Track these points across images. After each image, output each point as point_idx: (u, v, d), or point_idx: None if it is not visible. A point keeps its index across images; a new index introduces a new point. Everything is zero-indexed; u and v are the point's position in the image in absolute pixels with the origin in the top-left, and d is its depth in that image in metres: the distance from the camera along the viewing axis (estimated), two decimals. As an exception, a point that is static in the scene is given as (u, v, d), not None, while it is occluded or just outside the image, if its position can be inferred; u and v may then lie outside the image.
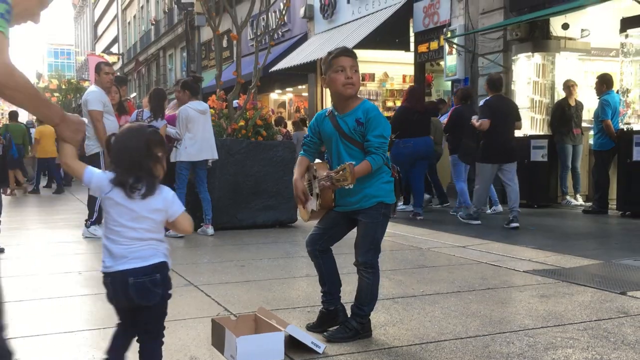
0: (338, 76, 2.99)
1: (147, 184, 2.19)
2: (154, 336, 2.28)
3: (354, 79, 2.99)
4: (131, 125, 2.35)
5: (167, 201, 2.23)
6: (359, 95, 3.11)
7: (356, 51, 11.50)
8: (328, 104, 16.15)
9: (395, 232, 6.56)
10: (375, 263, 3.07)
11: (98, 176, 2.23)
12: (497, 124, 7.29)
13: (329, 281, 3.18)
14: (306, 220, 3.17)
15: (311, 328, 3.17)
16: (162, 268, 2.22)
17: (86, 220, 6.74)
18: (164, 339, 2.32)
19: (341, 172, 2.76)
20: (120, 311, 2.30)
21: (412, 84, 14.56)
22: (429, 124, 8.50)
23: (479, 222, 7.56)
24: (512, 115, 7.58)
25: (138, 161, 2.18)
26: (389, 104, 17.18)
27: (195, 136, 6.57)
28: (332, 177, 2.81)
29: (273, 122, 8.60)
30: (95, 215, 6.73)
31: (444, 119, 11.19)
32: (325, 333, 3.07)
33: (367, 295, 3.06)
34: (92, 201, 6.82)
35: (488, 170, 7.42)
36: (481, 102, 7.88)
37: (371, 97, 16.94)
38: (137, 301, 2.18)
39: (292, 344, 2.83)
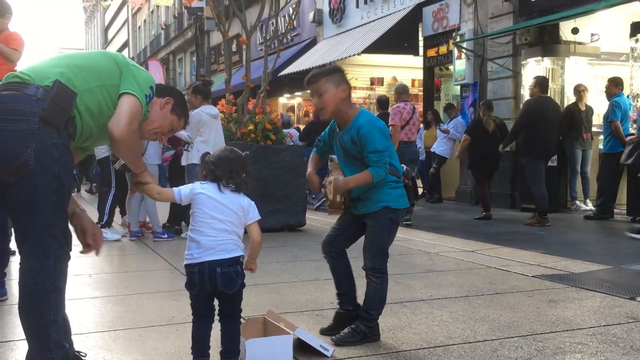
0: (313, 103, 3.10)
1: (236, 183, 2.57)
2: (233, 318, 2.61)
3: (320, 104, 3.01)
4: (226, 148, 2.72)
5: (249, 203, 2.59)
6: (356, 105, 3.11)
7: (365, 55, 11.69)
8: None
9: (403, 237, 6.57)
10: (384, 268, 3.08)
11: (185, 187, 2.61)
12: None
13: (342, 284, 3.22)
14: (329, 214, 3.23)
15: (327, 331, 3.17)
16: (240, 262, 2.57)
17: (96, 224, 6.79)
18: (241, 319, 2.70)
19: (327, 186, 3.00)
20: (198, 302, 2.58)
21: (421, 88, 14.59)
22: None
23: None
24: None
25: (235, 169, 2.58)
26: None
27: (208, 140, 6.60)
28: (325, 189, 3.04)
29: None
30: (106, 218, 6.79)
31: (451, 125, 11.21)
32: (333, 336, 3.08)
33: (375, 300, 3.08)
34: (102, 204, 6.88)
35: None
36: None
37: (380, 102, 16.94)
38: (221, 289, 2.51)
39: (301, 347, 2.85)
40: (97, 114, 2.40)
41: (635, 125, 6.67)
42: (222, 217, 2.53)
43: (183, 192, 2.59)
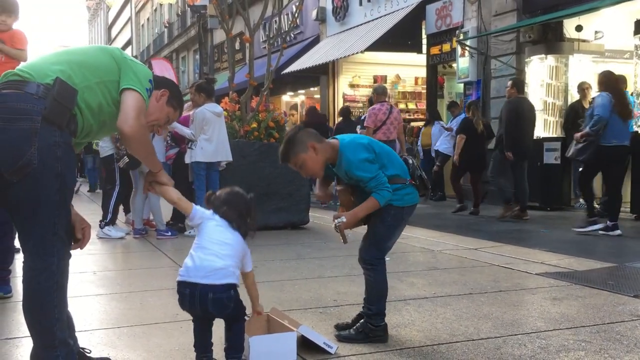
0: None
1: (243, 233, 2.62)
2: (236, 320, 2.60)
3: (307, 173, 3.06)
4: (234, 191, 2.71)
5: (247, 250, 2.65)
6: (330, 141, 3.05)
7: (368, 53, 11.95)
8: (340, 106, 16.18)
9: (406, 234, 6.56)
10: (375, 261, 3.08)
11: (202, 210, 2.62)
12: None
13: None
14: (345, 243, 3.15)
15: (342, 328, 3.17)
16: (234, 287, 2.55)
17: (100, 221, 6.82)
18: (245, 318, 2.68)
19: (336, 229, 3.03)
20: (194, 316, 2.61)
21: (424, 86, 14.59)
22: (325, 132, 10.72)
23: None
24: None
25: (242, 214, 2.62)
26: (401, 106, 17.16)
27: (211, 138, 6.62)
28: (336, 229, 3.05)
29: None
30: (110, 216, 6.80)
31: (454, 123, 11.20)
32: (337, 333, 3.09)
33: (373, 295, 3.09)
34: (106, 202, 6.89)
35: None
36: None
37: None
38: (212, 311, 2.51)
39: (305, 344, 2.86)
40: (97, 111, 2.40)
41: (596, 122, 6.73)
42: (228, 242, 2.55)
43: (198, 213, 2.59)
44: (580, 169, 7.16)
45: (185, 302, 2.53)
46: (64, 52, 2.49)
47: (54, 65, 2.34)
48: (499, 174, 8.45)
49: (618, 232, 6.70)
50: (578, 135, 6.97)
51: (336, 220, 3.01)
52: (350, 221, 2.99)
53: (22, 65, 2.40)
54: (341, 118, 11.68)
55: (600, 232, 6.82)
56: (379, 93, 9.00)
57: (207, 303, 2.46)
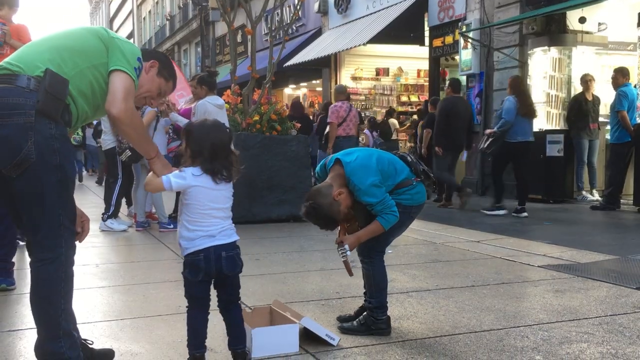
0: None
1: (227, 171, 2.53)
2: (236, 304, 2.62)
3: (352, 210, 3.03)
4: (213, 120, 2.63)
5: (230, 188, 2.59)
6: (336, 169, 3.01)
7: (370, 45, 12.15)
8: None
9: (409, 227, 6.55)
10: (374, 254, 3.10)
11: (176, 178, 2.47)
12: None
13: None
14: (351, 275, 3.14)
15: (345, 320, 3.18)
16: (238, 244, 2.60)
17: (103, 214, 6.83)
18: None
19: (342, 257, 3.04)
20: (198, 288, 2.56)
21: (427, 78, 14.55)
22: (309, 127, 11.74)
23: None
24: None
25: (223, 151, 2.52)
26: (404, 98, 17.14)
27: (213, 131, 6.60)
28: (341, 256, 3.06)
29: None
30: (112, 209, 6.81)
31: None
32: (339, 325, 3.10)
33: (370, 286, 3.11)
34: (109, 195, 6.90)
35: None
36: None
37: (385, 92, 16.92)
38: (226, 271, 2.53)
39: (307, 336, 2.86)
40: (90, 96, 2.38)
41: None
42: (221, 206, 2.53)
43: (174, 183, 2.45)
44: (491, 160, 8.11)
45: (199, 267, 2.51)
46: (52, 37, 2.43)
47: (42, 55, 2.30)
48: (446, 170, 8.92)
49: (525, 214, 7.71)
50: (487, 131, 8.08)
51: (340, 253, 3.00)
52: (353, 245, 3.01)
53: (10, 57, 2.34)
54: (323, 113, 12.10)
55: (513, 214, 7.79)
56: (340, 92, 9.74)
57: (221, 262, 2.49)
